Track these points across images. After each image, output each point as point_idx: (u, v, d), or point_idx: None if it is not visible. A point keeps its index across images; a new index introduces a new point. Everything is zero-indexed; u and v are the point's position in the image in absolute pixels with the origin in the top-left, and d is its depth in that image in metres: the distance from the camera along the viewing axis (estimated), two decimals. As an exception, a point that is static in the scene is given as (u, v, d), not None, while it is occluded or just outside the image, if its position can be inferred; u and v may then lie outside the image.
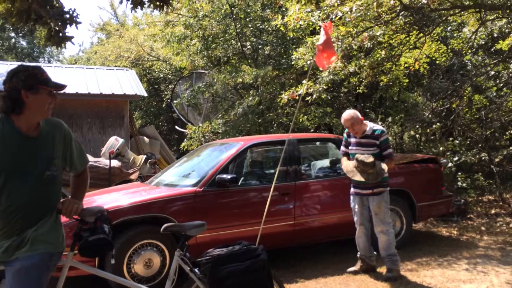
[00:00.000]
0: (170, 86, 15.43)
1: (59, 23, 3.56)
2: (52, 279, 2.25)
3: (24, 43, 27.50)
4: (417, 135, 9.98)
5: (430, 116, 8.94)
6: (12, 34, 25.57)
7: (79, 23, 3.66)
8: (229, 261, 2.57)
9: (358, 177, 4.31)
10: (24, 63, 2.29)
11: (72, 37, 3.82)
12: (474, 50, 9.28)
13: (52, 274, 2.20)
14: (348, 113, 4.41)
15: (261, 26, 10.15)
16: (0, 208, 2.11)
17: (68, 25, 3.70)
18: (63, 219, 2.36)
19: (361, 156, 4.26)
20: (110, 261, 3.77)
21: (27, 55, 26.89)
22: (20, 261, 2.09)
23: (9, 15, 3.59)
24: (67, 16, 3.62)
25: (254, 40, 10.06)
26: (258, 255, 2.63)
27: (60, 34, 3.74)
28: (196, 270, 2.63)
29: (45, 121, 2.25)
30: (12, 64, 13.04)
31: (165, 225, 2.67)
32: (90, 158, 7.73)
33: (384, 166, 4.26)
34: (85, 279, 4.34)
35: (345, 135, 4.64)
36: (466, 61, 9.35)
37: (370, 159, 4.20)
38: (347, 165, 4.44)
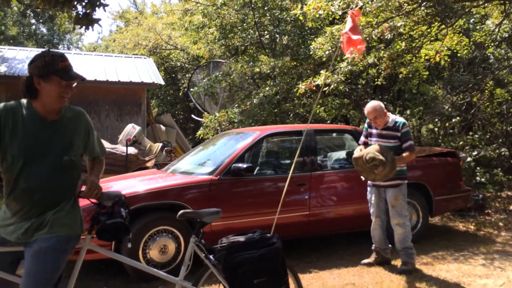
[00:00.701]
0: (187, 75, 15.47)
1: (88, 6, 3.61)
2: (69, 262, 2.29)
3: (44, 30, 27.81)
4: (436, 129, 9.84)
5: (449, 109, 8.80)
6: (33, 21, 25.87)
7: (107, 5, 3.71)
8: (244, 249, 2.58)
9: (365, 175, 4.25)
10: (51, 50, 2.25)
11: (100, 19, 3.86)
12: (497, 43, 9.06)
13: (70, 256, 2.24)
14: (372, 105, 4.30)
15: (279, 16, 10.07)
16: (19, 188, 2.15)
17: (96, 8, 3.74)
18: (81, 203, 2.39)
19: (369, 155, 4.11)
20: (126, 245, 3.85)
21: (47, 42, 27.19)
22: (38, 243, 2.12)
23: (37, -1, 3.63)
24: (95, -2, 3.66)
25: (272, 29, 9.98)
26: (273, 243, 2.64)
27: (88, 17, 3.78)
28: (211, 256, 2.64)
29: (68, 108, 2.30)
30: (32, 51, 13.22)
31: (181, 211, 2.69)
32: (107, 145, 7.82)
33: (396, 161, 4.16)
34: (101, 263, 4.41)
35: (365, 125, 4.58)
36: (489, 54, 9.13)
37: (375, 155, 4.08)
38: (356, 161, 4.30)
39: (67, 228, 2.21)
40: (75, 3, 3.65)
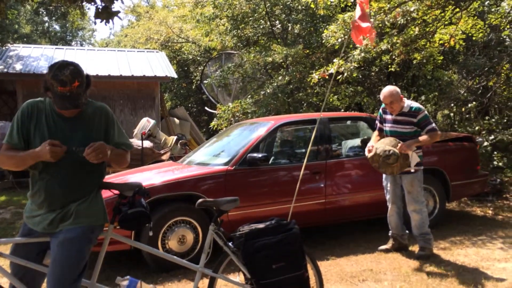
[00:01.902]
0: (199, 68, 15.51)
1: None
2: (92, 253, 2.35)
3: (57, 27, 28.10)
4: (452, 114, 9.73)
5: (465, 94, 8.69)
6: (46, 19, 26.12)
7: None
8: (262, 235, 2.62)
9: (383, 170, 4.22)
10: (65, 60, 2.22)
11: (119, 11, 3.92)
12: (513, 25, 8.89)
13: (93, 246, 2.30)
14: (389, 90, 4.28)
15: (290, 4, 10.02)
16: (43, 182, 2.24)
17: (114, 1, 3.80)
18: (104, 195, 2.46)
19: (380, 149, 4.10)
20: (145, 236, 3.93)
21: (60, 39, 27.49)
22: (63, 233, 2.19)
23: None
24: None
25: (284, 18, 9.94)
26: (291, 228, 2.67)
27: (108, 10, 3.84)
28: (230, 244, 2.68)
29: (89, 104, 2.34)
30: (46, 48, 13.38)
31: (199, 200, 2.73)
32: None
33: (418, 143, 4.15)
34: (121, 254, 4.50)
35: (380, 111, 4.56)
36: (504, 36, 8.96)
37: (389, 149, 4.05)
38: (372, 159, 4.24)
39: (91, 219, 2.28)
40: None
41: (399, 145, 4.11)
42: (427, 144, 4.29)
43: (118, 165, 2.48)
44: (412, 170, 4.22)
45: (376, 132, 4.54)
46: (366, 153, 4.32)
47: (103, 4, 3.76)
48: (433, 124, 4.28)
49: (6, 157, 2.23)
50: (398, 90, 4.33)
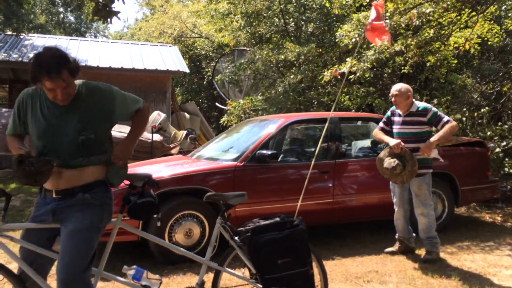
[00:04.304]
0: (211, 64, 15.54)
1: None
2: (101, 243, 2.37)
3: (72, 18, 28.32)
4: (464, 118, 9.63)
5: (478, 99, 8.60)
6: (61, 9, 26.34)
7: None
8: (268, 230, 2.63)
9: (393, 180, 4.30)
10: (49, 47, 2.23)
11: (119, 12, 3.91)
12: (530, 30, 8.79)
13: (101, 235, 2.32)
14: (400, 84, 4.37)
15: (305, 2, 9.99)
16: None
17: (115, 0, 3.80)
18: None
19: (386, 162, 4.22)
20: (153, 227, 3.95)
21: (75, 30, 27.70)
22: (73, 222, 2.21)
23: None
24: (114, -10, 3.71)
25: (298, 16, 9.90)
26: (297, 225, 2.68)
27: (107, 9, 3.84)
28: (236, 238, 2.69)
29: (82, 86, 2.29)
30: (61, 39, 13.49)
31: (208, 194, 2.74)
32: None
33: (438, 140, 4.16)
34: (128, 245, 4.54)
35: (388, 113, 4.54)
36: (521, 42, 8.88)
37: (395, 162, 4.16)
38: (383, 172, 4.37)
39: (99, 208, 2.29)
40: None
41: (421, 148, 4.10)
42: (448, 137, 4.25)
43: (145, 127, 2.54)
44: (438, 157, 4.23)
45: (379, 130, 4.53)
46: (392, 143, 4.28)
47: (103, 2, 3.76)
48: (446, 117, 4.23)
49: (10, 144, 2.33)
50: (409, 88, 4.33)
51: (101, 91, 2.33)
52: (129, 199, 2.43)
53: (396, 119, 4.41)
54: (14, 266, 2.48)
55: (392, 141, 4.25)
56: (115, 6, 3.88)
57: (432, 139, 4.15)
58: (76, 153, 2.23)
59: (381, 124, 4.57)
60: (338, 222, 5.11)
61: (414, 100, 4.38)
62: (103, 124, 2.34)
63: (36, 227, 2.27)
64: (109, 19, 3.99)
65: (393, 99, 4.32)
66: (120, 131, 6.74)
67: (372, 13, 4.70)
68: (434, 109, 4.29)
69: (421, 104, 4.33)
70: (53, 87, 2.12)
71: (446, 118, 4.22)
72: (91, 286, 2.21)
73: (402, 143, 4.20)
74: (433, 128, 4.43)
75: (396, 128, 4.40)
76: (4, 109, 9.81)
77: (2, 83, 14.80)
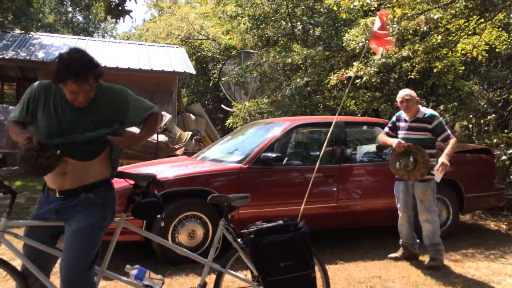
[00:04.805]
0: (217, 66, 15.57)
1: None
2: (104, 243, 2.37)
3: (80, 18, 28.49)
4: (470, 125, 9.60)
5: (485, 106, 8.56)
6: (69, 9, 26.50)
7: None
8: (271, 233, 2.63)
9: (406, 177, 4.29)
10: (77, 49, 2.19)
11: (131, 11, 3.93)
12: (538, 38, 8.74)
13: (104, 234, 2.32)
14: (406, 90, 4.36)
15: (313, 6, 10.00)
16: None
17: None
18: (116, 185, 2.48)
19: (397, 164, 4.21)
20: (157, 227, 3.95)
21: (83, 30, 27.86)
22: (76, 221, 2.21)
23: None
24: (127, -10, 3.73)
25: (306, 19, 9.91)
26: (300, 228, 2.67)
27: (120, 8, 3.85)
28: (239, 240, 2.69)
29: (101, 90, 2.28)
30: (69, 38, 13.57)
31: (211, 195, 2.75)
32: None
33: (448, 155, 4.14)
34: (131, 245, 4.54)
35: (393, 118, 4.53)
36: (529, 50, 8.82)
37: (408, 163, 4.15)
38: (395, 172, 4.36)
39: (103, 207, 2.29)
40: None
41: (441, 162, 4.05)
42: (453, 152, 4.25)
43: (155, 131, 2.53)
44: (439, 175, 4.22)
45: (385, 135, 4.51)
46: (394, 145, 4.27)
47: (117, 1, 3.78)
48: (449, 131, 4.27)
49: (11, 131, 2.30)
50: (415, 93, 4.33)
51: (116, 94, 2.33)
52: (133, 198, 2.44)
53: (402, 124, 4.40)
54: (18, 263, 2.49)
55: (393, 142, 4.26)
56: (128, 5, 3.87)
57: (445, 158, 4.09)
58: (88, 154, 2.24)
59: (386, 129, 4.56)
60: (341, 226, 5.09)
61: (420, 106, 4.38)
62: (115, 125, 2.31)
63: (40, 224, 2.28)
64: (121, 18, 4.01)
65: (404, 104, 4.29)
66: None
67: (377, 23, 4.75)
68: (440, 118, 4.30)
69: (427, 111, 4.32)
70: (77, 90, 2.11)
71: (448, 132, 4.26)
72: (93, 285, 2.22)
73: (402, 141, 4.20)
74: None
75: (401, 134, 4.38)
76: (11, 107, 9.87)
77: (10, 81, 14.94)
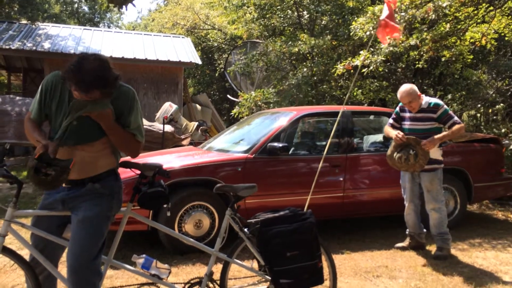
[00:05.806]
0: (223, 56, 15.51)
1: None
2: (111, 232, 2.38)
3: (86, 8, 28.43)
4: (478, 115, 9.50)
5: (494, 95, 8.46)
6: None
7: None
8: (277, 222, 2.62)
9: (404, 169, 4.25)
10: (99, 57, 2.07)
11: None
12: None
13: (111, 224, 2.33)
14: (406, 90, 4.18)
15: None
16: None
17: None
18: (122, 175, 2.48)
19: (397, 156, 4.15)
20: (163, 217, 3.97)
21: (88, 20, 27.82)
22: (83, 211, 2.22)
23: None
24: (130, -23, 3.70)
25: (312, 8, 9.80)
26: (307, 218, 2.67)
27: None
28: (245, 230, 2.69)
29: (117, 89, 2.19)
30: (75, 28, 13.56)
31: (218, 185, 2.74)
32: (145, 122, 8.00)
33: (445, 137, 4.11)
34: (138, 234, 4.57)
35: (397, 108, 4.47)
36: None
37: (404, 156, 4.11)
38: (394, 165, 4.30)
39: (109, 197, 2.29)
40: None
41: (424, 142, 4.03)
42: (453, 138, 4.21)
43: (126, 150, 2.31)
44: (440, 158, 4.20)
45: (389, 127, 4.45)
46: (394, 136, 4.23)
47: None
48: (455, 118, 4.19)
49: (27, 130, 2.25)
50: (415, 87, 4.24)
51: (128, 95, 2.25)
52: (139, 188, 2.44)
53: (407, 115, 4.35)
54: (25, 253, 2.51)
55: (392, 134, 4.22)
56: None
57: (437, 136, 4.09)
58: (93, 148, 2.23)
59: (390, 120, 4.51)
60: (348, 216, 5.09)
61: (423, 95, 4.31)
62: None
63: (47, 214, 2.29)
64: (124, 6, 3.99)
65: (408, 105, 4.23)
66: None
67: (385, 10, 4.67)
68: (445, 106, 4.23)
69: (432, 100, 4.26)
70: (77, 97, 2.06)
71: (455, 118, 4.18)
72: (100, 274, 2.23)
73: (401, 133, 4.16)
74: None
75: (406, 124, 4.34)
76: (18, 98, 9.91)
77: (16, 71, 14.97)
